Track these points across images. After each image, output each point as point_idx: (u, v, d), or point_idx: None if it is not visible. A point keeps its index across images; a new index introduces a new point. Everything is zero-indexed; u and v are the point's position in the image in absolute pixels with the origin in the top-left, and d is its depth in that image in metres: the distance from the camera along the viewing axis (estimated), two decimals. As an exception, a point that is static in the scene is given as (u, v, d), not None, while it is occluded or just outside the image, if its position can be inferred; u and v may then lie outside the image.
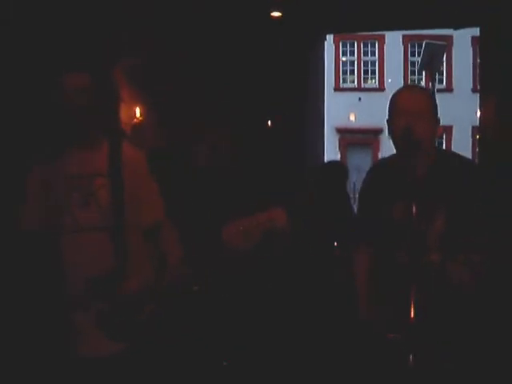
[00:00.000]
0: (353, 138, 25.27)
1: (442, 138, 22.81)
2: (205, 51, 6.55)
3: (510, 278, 3.38)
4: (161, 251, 2.76)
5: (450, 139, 23.17)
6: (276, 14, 6.55)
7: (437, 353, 2.67)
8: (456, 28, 8.18)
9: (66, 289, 2.57)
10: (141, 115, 6.23)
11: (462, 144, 21.00)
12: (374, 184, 3.05)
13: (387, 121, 2.93)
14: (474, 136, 23.42)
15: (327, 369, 4.14)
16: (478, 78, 23.80)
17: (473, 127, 22.54)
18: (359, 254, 3.14)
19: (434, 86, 11.64)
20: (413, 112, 2.74)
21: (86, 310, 2.53)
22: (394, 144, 2.91)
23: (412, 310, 2.51)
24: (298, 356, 4.38)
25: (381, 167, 3.17)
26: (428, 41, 12.15)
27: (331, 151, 20.69)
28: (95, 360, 2.53)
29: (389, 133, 2.93)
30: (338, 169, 6.51)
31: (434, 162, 2.84)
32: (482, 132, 6.85)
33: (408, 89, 3.05)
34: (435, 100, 2.91)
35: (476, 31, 9.56)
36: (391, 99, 2.91)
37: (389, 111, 2.91)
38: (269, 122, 8.87)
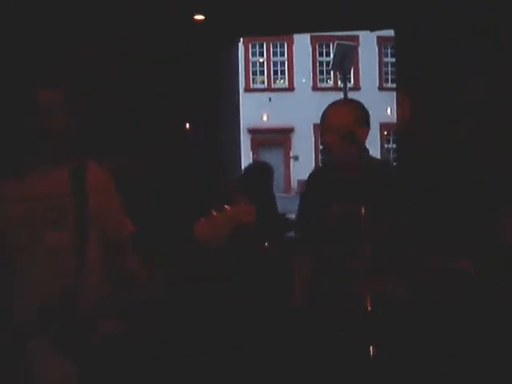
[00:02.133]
0: (264, 138, 25.53)
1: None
2: (124, 54, 6.48)
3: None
4: (126, 270, 2.72)
5: (359, 136, 23.75)
6: (199, 17, 6.56)
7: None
8: (372, 30, 8.44)
9: (22, 315, 2.48)
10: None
11: (371, 140, 21.56)
12: (312, 188, 3.26)
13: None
14: (382, 132, 24.20)
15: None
16: (383, 76, 24.77)
17: (380, 124, 23.31)
18: (302, 255, 3.25)
19: (345, 85, 11.94)
20: (337, 129, 2.98)
21: (42, 335, 2.45)
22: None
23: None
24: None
25: (318, 172, 3.39)
26: (339, 41, 12.46)
27: (244, 152, 20.83)
28: None
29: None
30: (264, 169, 6.60)
31: (362, 166, 3.06)
32: (398, 128, 7.12)
33: (334, 105, 3.21)
34: (363, 110, 3.09)
35: (381, 31, 9.86)
36: (321, 115, 3.11)
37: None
38: (186, 125, 8.86)
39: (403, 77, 7.05)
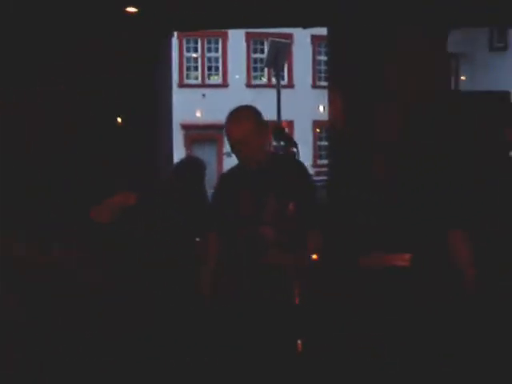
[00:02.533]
0: (198, 134, 25.42)
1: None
2: (54, 47, 6.35)
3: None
4: None
5: (292, 133, 23.94)
6: (131, 9, 6.46)
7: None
8: (305, 27, 8.52)
9: None
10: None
11: (304, 137, 21.81)
12: (222, 184, 3.63)
13: None
14: (314, 130, 24.42)
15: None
16: (317, 75, 25.02)
17: (313, 121, 23.52)
18: (210, 242, 3.55)
19: (278, 83, 11.98)
20: (236, 138, 3.36)
21: None
22: None
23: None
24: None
25: (228, 171, 3.74)
26: (273, 38, 12.50)
27: (177, 148, 20.71)
28: None
29: None
30: (196, 165, 6.56)
31: (265, 162, 3.42)
32: (331, 126, 7.20)
33: (231, 115, 3.44)
34: (259, 116, 3.41)
35: (315, 30, 9.95)
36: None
37: None
38: (118, 120, 8.73)
39: (335, 75, 7.13)
